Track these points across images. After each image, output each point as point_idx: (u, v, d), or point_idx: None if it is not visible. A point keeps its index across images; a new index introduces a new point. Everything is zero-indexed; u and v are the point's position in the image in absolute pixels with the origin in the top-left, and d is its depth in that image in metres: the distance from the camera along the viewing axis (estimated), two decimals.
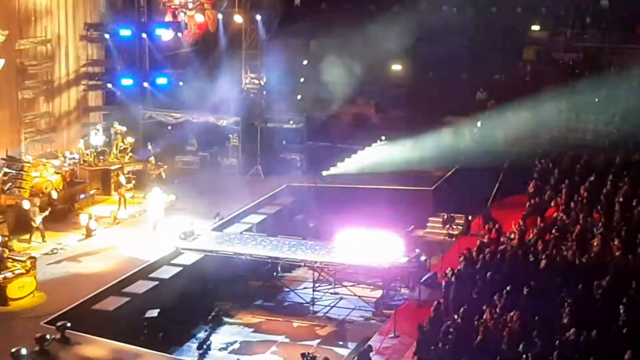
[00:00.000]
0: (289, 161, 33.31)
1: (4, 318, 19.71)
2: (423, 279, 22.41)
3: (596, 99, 33.69)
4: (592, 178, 25.24)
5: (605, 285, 18.11)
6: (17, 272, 20.57)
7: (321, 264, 23.55)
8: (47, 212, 24.81)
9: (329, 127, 36.79)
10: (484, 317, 17.46)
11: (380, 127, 36.41)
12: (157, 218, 25.57)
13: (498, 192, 28.40)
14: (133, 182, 28.51)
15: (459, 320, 17.46)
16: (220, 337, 21.40)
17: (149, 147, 31.61)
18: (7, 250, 21.45)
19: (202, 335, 20.72)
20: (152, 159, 30.71)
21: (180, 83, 34.85)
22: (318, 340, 21.51)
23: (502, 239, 22.57)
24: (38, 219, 24.39)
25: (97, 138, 30.10)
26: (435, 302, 18.62)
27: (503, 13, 39.84)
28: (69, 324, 18.05)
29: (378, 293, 23.68)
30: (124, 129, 30.53)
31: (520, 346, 16.03)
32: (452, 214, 27.81)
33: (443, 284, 20.43)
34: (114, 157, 29.92)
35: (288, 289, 24.53)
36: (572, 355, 15.70)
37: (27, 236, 24.45)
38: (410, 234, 26.49)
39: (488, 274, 19.44)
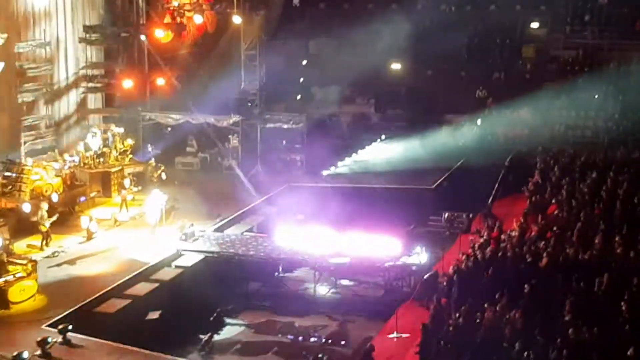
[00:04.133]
0: (289, 161, 33.32)
1: (5, 322, 19.64)
2: (424, 277, 22.36)
3: (595, 96, 33.77)
4: (592, 175, 25.24)
5: (607, 282, 18.08)
6: (18, 275, 20.51)
7: (322, 264, 23.52)
8: (55, 217, 24.75)
9: (329, 127, 36.82)
10: (486, 315, 17.42)
11: (380, 126, 36.43)
12: (156, 220, 25.56)
13: (499, 190, 28.42)
14: (136, 185, 28.51)
15: (461, 318, 17.42)
16: (223, 338, 21.39)
17: (149, 149, 31.59)
18: (6, 255, 21.36)
19: (204, 336, 20.75)
20: (152, 160, 30.71)
21: (179, 84, 34.83)
22: (320, 340, 21.48)
23: (503, 237, 22.51)
24: (47, 223, 24.37)
25: (94, 141, 30.04)
26: (437, 301, 18.58)
27: (502, 11, 39.86)
28: (70, 327, 18.08)
29: (379, 292, 23.66)
30: (121, 130, 30.52)
31: (522, 344, 16.02)
32: (453, 213, 27.78)
33: (444, 282, 20.42)
34: (114, 159, 29.92)
35: (289, 289, 24.51)
36: (574, 353, 15.66)
37: (30, 238, 24.37)
38: (411, 233, 26.49)
39: (489, 272, 19.42)
